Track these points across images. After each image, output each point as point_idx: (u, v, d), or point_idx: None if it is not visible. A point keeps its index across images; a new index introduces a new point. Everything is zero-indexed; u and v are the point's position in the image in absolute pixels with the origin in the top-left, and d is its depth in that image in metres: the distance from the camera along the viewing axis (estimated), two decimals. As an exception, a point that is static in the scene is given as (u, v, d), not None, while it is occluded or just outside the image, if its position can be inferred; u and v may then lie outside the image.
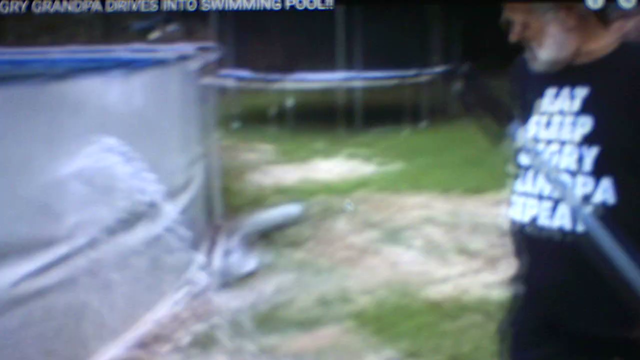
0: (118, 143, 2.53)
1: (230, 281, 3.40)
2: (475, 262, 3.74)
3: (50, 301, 2.46)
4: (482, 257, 3.82)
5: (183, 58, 3.46)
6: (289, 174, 5.68)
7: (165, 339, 2.95)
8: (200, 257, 3.71)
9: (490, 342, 2.77)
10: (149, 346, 2.87)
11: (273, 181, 5.42)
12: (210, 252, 3.68)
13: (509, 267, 3.40)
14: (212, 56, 3.78)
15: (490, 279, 3.51)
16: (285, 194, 4.88)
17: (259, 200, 4.62)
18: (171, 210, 3.24)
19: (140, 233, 2.95)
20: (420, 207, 4.79)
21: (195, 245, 3.66)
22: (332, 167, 6.11)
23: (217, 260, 3.57)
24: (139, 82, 2.89)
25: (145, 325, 3.01)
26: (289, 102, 8.13)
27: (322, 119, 7.87)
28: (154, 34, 25.86)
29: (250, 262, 3.51)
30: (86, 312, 2.66)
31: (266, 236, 3.95)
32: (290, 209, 4.14)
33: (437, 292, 3.34)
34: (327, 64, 7.98)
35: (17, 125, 2.27)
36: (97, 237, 2.67)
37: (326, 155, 6.56)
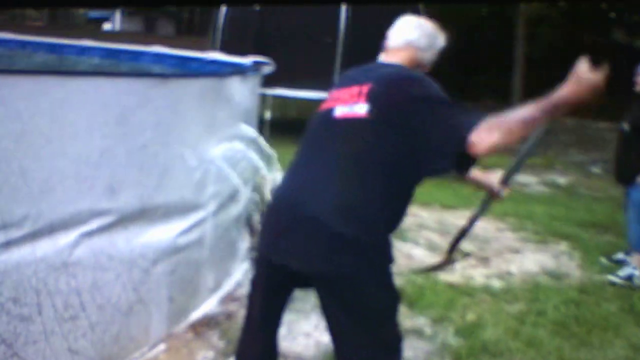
0: (251, 130, 3.20)
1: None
2: (470, 261, 4.64)
3: (189, 255, 3.07)
4: (475, 256, 4.73)
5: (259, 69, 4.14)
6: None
7: (241, 298, 3.59)
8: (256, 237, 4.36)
9: (497, 312, 3.65)
10: (236, 301, 3.50)
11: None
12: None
13: (496, 265, 4.37)
14: (267, 70, 4.47)
15: (486, 272, 4.41)
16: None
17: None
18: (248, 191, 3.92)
19: (240, 206, 3.61)
20: (411, 215, 5.67)
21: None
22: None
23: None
24: (249, 85, 3.57)
25: (229, 285, 3.64)
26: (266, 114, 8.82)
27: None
28: (107, 25, 25.33)
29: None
30: (202, 268, 3.28)
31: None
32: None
33: (451, 278, 4.18)
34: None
35: (187, 113, 2.89)
36: (220, 207, 3.31)
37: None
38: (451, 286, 4.03)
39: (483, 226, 5.56)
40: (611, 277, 4.50)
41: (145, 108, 2.54)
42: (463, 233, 2.54)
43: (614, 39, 16.77)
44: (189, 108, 2.84)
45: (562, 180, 8.16)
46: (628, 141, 4.64)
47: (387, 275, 2.09)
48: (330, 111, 2.06)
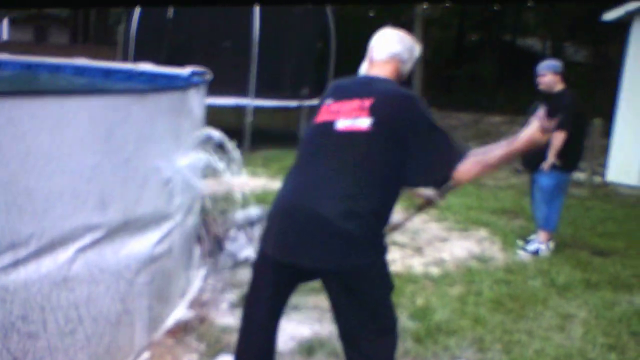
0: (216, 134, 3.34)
1: (236, 262, 4.24)
2: (405, 251, 5.00)
3: (162, 264, 3.15)
4: (409, 247, 5.10)
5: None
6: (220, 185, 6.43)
7: (207, 303, 3.71)
8: (206, 244, 4.47)
9: (441, 295, 4.00)
10: (203, 306, 3.62)
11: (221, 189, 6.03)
12: (215, 240, 4.46)
13: (430, 254, 4.76)
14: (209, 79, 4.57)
15: (422, 261, 4.79)
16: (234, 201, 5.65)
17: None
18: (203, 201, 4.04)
19: (196, 214, 3.72)
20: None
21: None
22: (247, 181, 6.96)
23: (226, 246, 4.36)
24: (201, 95, 3.69)
25: (192, 292, 3.74)
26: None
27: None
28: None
29: (248, 248, 4.35)
30: (172, 276, 3.37)
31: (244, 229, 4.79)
32: (256, 210, 5.01)
33: (394, 268, 4.50)
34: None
35: (160, 126, 3.00)
36: (184, 216, 3.41)
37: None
38: (396, 275, 4.33)
39: (400, 217, 5.96)
40: (520, 252, 5.05)
41: (128, 123, 2.62)
42: (397, 227, 2.90)
43: (499, 39, 18.05)
44: (162, 121, 2.94)
45: (467, 172, 8.78)
46: None
47: (386, 265, 2.35)
48: (331, 123, 2.26)
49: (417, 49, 2.48)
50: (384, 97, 2.25)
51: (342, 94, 2.33)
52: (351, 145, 2.22)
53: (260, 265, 2.37)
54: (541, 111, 2.20)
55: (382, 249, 2.30)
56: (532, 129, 2.19)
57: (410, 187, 2.36)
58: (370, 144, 2.20)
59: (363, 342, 2.26)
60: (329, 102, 2.35)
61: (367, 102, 2.23)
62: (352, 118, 2.22)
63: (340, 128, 2.24)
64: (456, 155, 2.19)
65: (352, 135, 2.22)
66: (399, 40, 2.43)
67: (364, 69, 2.47)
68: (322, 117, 2.33)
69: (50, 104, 2.18)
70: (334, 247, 2.17)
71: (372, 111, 2.21)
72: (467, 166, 2.17)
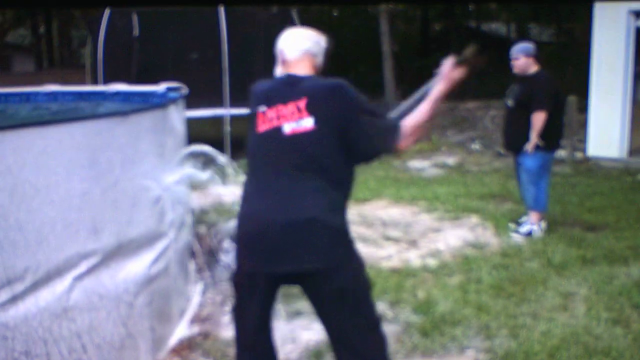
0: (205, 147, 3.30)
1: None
2: (400, 245, 4.98)
3: (160, 283, 3.10)
4: (403, 241, 5.08)
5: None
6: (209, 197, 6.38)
7: (209, 317, 3.66)
8: (200, 257, 4.41)
9: (442, 286, 4.00)
10: (204, 321, 3.57)
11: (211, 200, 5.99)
12: (210, 253, 4.40)
13: (425, 245, 4.75)
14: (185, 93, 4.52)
15: (418, 253, 4.77)
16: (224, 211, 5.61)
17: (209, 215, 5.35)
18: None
19: (188, 229, 3.66)
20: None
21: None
22: (233, 191, 6.90)
23: (221, 258, 4.31)
24: (180, 110, 3.64)
25: (192, 308, 3.69)
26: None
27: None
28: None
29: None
30: (171, 294, 3.32)
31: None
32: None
33: (391, 264, 4.49)
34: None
35: (145, 145, 2.94)
36: (177, 233, 3.36)
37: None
38: (395, 271, 4.34)
39: (401, 212, 5.97)
40: (514, 235, 5.07)
41: (112, 146, 2.58)
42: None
43: (463, 26, 18.17)
44: (145, 140, 2.89)
45: (450, 160, 8.81)
46: (513, 115, 5.21)
47: (360, 258, 2.39)
48: (277, 130, 2.26)
49: (323, 41, 2.48)
50: (315, 94, 2.27)
51: (273, 99, 2.31)
52: (304, 146, 2.24)
53: (242, 278, 2.36)
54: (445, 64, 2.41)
55: (351, 238, 2.34)
56: (445, 68, 2.40)
57: (364, 162, 2.38)
58: (320, 140, 2.23)
59: (355, 340, 2.28)
60: (262, 109, 2.31)
61: (302, 103, 2.25)
62: (296, 120, 2.24)
63: (287, 132, 2.24)
64: (392, 131, 2.31)
65: (301, 137, 2.23)
66: (306, 36, 2.45)
67: (279, 72, 2.45)
68: (263, 125, 2.30)
69: (31, 135, 2.13)
70: (318, 245, 2.20)
71: (310, 110, 2.23)
72: (404, 140, 2.32)
